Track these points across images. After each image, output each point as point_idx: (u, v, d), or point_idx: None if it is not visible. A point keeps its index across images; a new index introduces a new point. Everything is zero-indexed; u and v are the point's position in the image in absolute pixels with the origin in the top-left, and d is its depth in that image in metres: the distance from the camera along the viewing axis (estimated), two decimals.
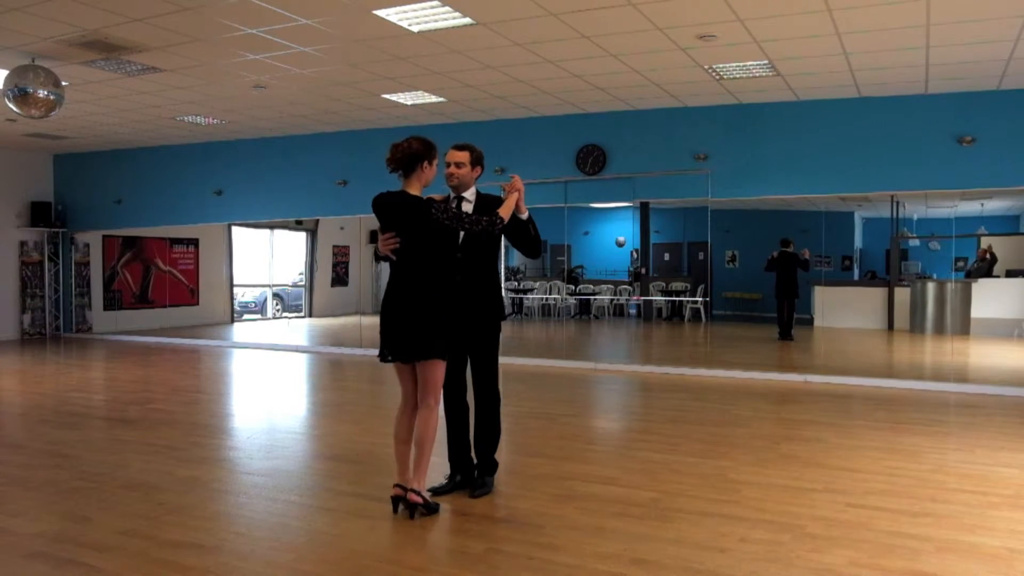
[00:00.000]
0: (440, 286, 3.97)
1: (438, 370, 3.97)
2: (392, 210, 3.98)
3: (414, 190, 3.98)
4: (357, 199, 10.98)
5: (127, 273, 14.53)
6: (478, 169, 4.30)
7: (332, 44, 7.02)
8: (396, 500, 3.96)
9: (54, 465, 4.99)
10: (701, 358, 10.72)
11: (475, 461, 4.40)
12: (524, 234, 4.33)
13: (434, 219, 3.88)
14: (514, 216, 4.23)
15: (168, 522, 3.87)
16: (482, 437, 4.36)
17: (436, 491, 4.23)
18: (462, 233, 4.12)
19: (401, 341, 3.91)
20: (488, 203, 4.22)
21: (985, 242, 15.23)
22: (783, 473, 4.78)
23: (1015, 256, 15.74)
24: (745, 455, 5.23)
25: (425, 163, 3.98)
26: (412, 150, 3.95)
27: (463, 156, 4.23)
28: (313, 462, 5.31)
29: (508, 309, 17.41)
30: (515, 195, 4.18)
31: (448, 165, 4.23)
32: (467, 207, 4.23)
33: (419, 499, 3.93)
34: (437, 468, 4.43)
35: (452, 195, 4.29)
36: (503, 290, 4.52)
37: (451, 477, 4.37)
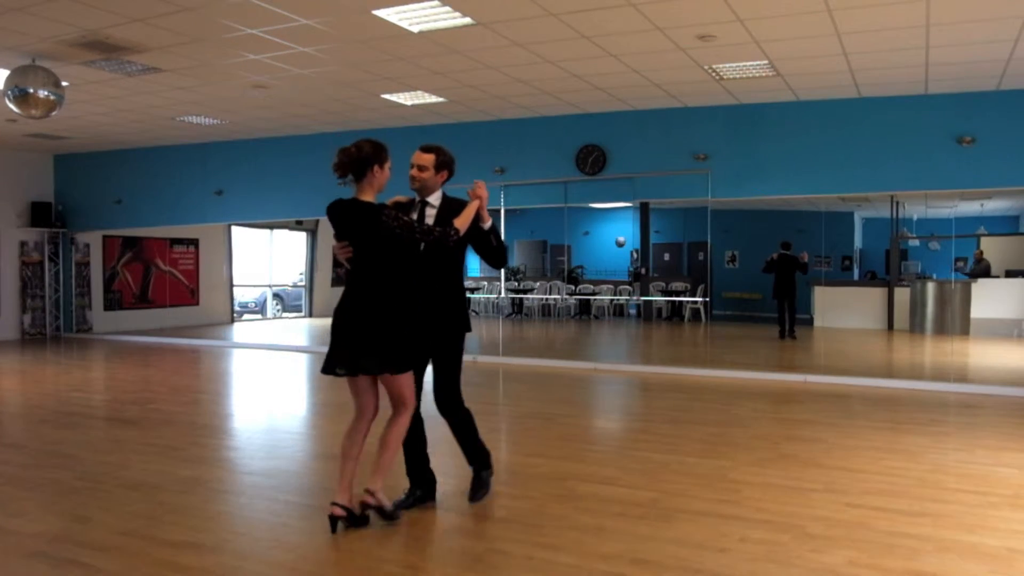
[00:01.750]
0: (397, 295, 3.79)
1: (405, 382, 3.82)
2: (343, 218, 3.81)
3: (366, 196, 3.79)
4: None
5: (127, 273, 14.53)
6: (444, 174, 4.05)
7: (332, 44, 7.02)
8: (334, 520, 3.69)
9: (54, 465, 5.00)
10: (701, 358, 10.72)
11: (433, 476, 4.19)
12: (485, 244, 4.13)
13: (384, 227, 3.70)
14: (475, 225, 4.02)
15: (168, 522, 3.87)
16: (462, 438, 4.19)
17: (398, 504, 4.00)
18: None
19: (360, 354, 3.71)
20: (454, 209, 3.99)
21: (984, 244, 15.26)
22: (783, 473, 4.78)
23: (1015, 256, 15.74)
24: (745, 455, 5.23)
25: (376, 167, 3.77)
26: (361, 154, 3.73)
27: (427, 159, 3.99)
28: (313, 462, 5.32)
29: (508, 310, 17.44)
30: (476, 203, 3.98)
31: (411, 167, 4.03)
32: (431, 212, 4.03)
33: (372, 500, 3.74)
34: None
35: (417, 199, 4.10)
36: (468, 300, 4.29)
37: (411, 492, 4.12)
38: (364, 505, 3.75)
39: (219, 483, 4.69)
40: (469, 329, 4.15)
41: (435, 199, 4.07)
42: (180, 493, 4.39)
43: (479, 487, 4.24)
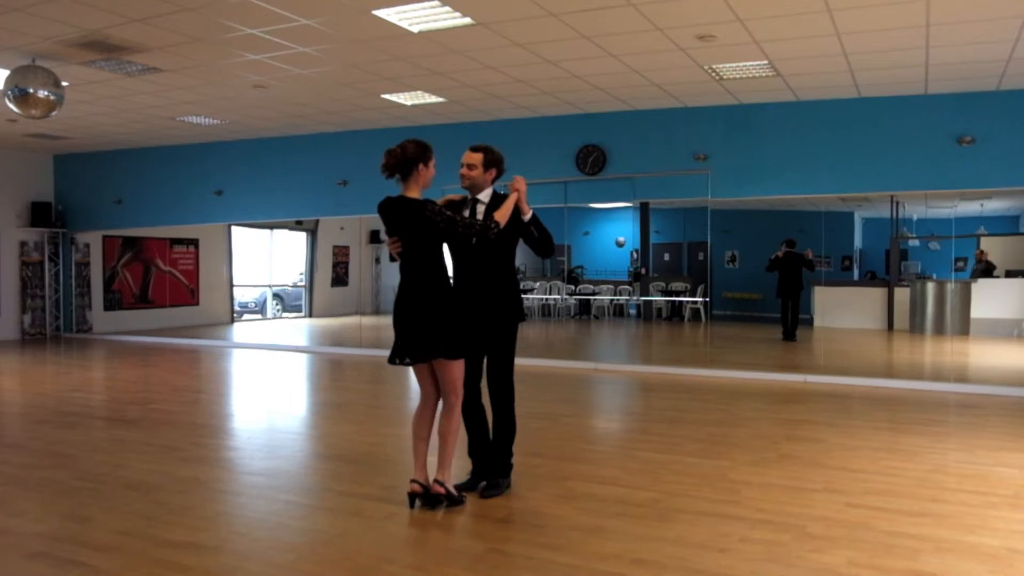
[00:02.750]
0: (444, 285, 4.01)
1: (456, 369, 4.03)
2: (392, 214, 4.04)
3: (413, 193, 4.02)
4: (357, 199, 10.98)
5: (127, 273, 14.53)
6: (492, 171, 4.28)
7: (332, 44, 7.02)
8: (413, 496, 4.01)
9: (54, 465, 5.00)
10: (701, 358, 10.72)
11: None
12: (528, 236, 4.31)
13: (428, 221, 3.92)
14: (517, 218, 4.22)
15: (168, 522, 3.87)
16: (497, 439, 4.36)
17: (460, 487, 4.23)
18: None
19: (416, 342, 3.97)
20: (501, 204, 4.20)
21: (984, 244, 15.24)
22: (783, 473, 4.78)
23: (1015, 256, 15.73)
24: (745, 455, 5.23)
25: (421, 165, 4.00)
26: (407, 154, 3.97)
27: (476, 158, 4.23)
28: (313, 462, 5.32)
29: None
30: (514, 196, 4.18)
31: (461, 165, 4.25)
32: (480, 208, 4.24)
33: (443, 490, 4.01)
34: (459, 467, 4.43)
35: (468, 196, 4.32)
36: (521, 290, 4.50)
37: (474, 473, 4.38)
38: (436, 495, 4.02)
39: (219, 483, 4.69)
40: (523, 318, 4.36)
41: (485, 196, 4.29)
42: (180, 493, 4.39)
43: (493, 487, 4.31)
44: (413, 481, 4.03)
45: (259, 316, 18.10)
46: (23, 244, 13.22)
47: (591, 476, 4.74)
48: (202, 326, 15.33)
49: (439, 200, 4.28)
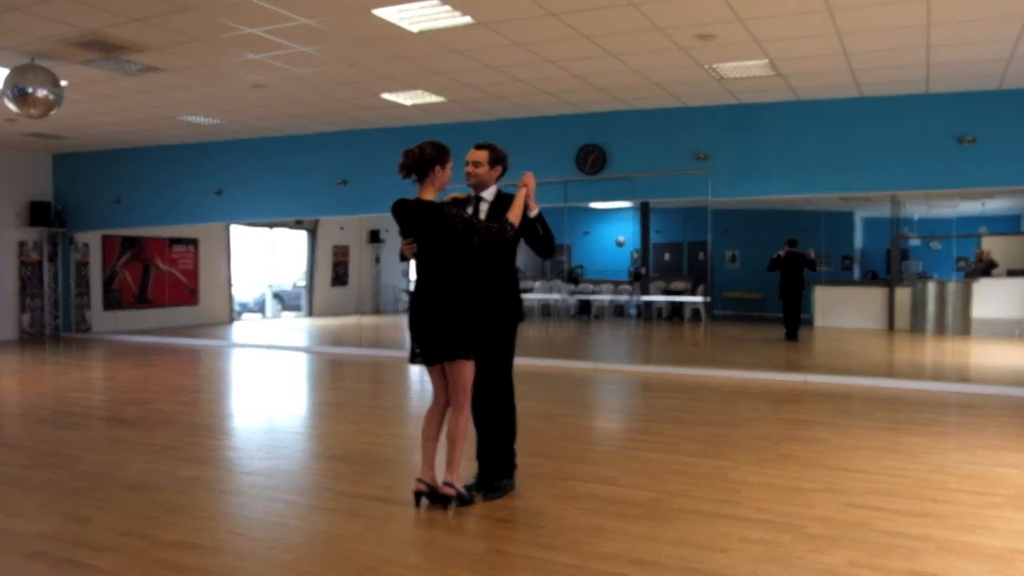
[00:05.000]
0: (462, 286, 4.01)
1: (466, 370, 4.02)
2: (408, 216, 4.05)
3: (428, 195, 4.03)
4: (357, 199, 10.98)
5: (127, 273, 14.53)
6: (498, 169, 4.27)
7: (332, 44, 7.02)
8: (418, 494, 4.03)
9: (54, 465, 4.99)
10: (701, 358, 10.72)
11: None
12: (532, 233, 4.27)
13: (446, 223, 3.93)
14: (523, 215, 4.18)
15: (168, 522, 3.87)
16: (498, 440, 4.30)
17: (468, 487, 4.17)
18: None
19: (429, 344, 4.00)
20: (505, 203, 4.17)
21: (986, 244, 15.25)
22: (783, 473, 4.78)
23: (1015, 256, 15.74)
24: (745, 455, 5.23)
25: (438, 167, 4.02)
26: (424, 155, 3.99)
27: (481, 155, 4.21)
28: (313, 462, 5.31)
29: None
30: (523, 192, 4.16)
31: (467, 164, 4.23)
32: (484, 207, 4.21)
33: (452, 491, 4.00)
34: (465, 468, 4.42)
35: (473, 194, 4.28)
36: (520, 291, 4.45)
37: (481, 474, 4.33)
38: (446, 496, 4.02)
39: (219, 483, 4.68)
40: (523, 319, 4.33)
41: (489, 194, 4.27)
42: (180, 493, 4.39)
43: (495, 489, 4.27)
44: (419, 480, 4.04)
45: (259, 316, 18.10)
46: (22, 244, 13.21)
47: (591, 476, 4.74)
48: (202, 326, 15.33)
49: (444, 199, 4.26)
